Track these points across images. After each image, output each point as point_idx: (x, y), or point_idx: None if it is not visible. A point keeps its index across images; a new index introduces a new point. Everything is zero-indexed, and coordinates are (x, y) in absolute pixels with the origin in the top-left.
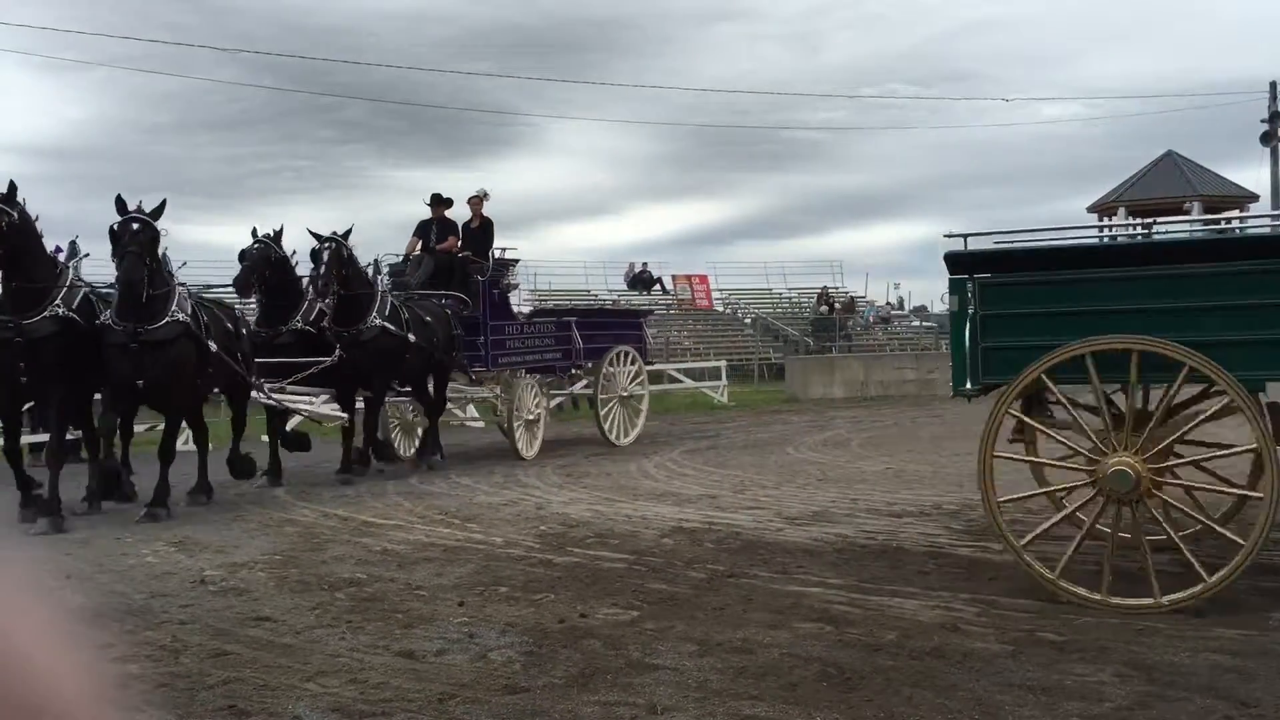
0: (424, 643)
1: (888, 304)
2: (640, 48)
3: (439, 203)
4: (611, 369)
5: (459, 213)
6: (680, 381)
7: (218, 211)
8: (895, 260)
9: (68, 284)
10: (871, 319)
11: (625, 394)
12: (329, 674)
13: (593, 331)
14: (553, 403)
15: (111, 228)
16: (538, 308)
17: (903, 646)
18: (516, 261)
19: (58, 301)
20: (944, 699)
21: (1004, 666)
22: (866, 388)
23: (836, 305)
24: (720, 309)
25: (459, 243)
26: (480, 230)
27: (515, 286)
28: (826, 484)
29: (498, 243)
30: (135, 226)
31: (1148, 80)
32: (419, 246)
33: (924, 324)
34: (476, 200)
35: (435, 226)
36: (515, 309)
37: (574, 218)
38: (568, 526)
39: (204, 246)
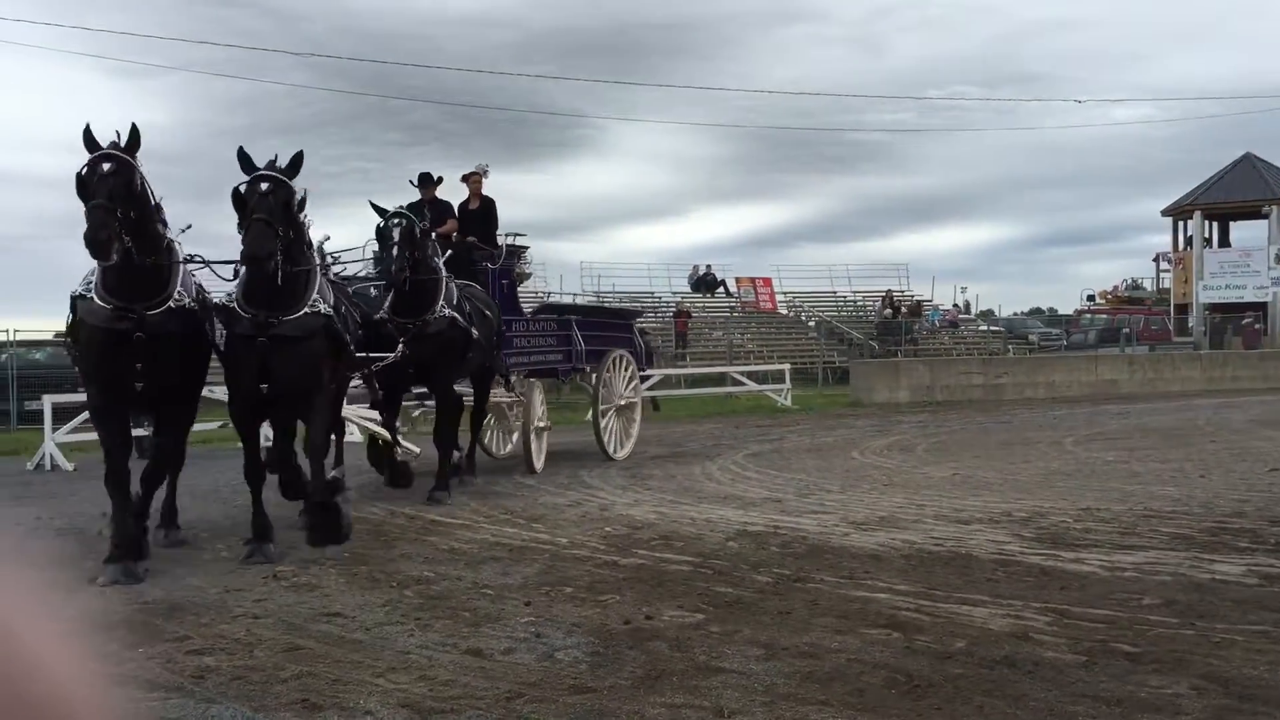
0: (491, 641)
1: (955, 307)
2: (704, 50)
3: (428, 182)
4: (608, 374)
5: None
6: (743, 384)
7: None
8: (962, 264)
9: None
10: (937, 322)
11: (622, 402)
12: (399, 670)
13: (593, 332)
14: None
15: (236, 190)
16: (541, 304)
17: (972, 655)
18: (526, 249)
19: (180, 287)
20: (1015, 709)
21: (1076, 677)
22: (932, 392)
23: (902, 308)
24: (784, 311)
25: (457, 225)
26: (481, 212)
27: (529, 276)
28: (892, 489)
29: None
30: (265, 187)
31: (1222, 81)
32: None
33: (991, 328)
34: (476, 178)
35: (427, 209)
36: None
37: (637, 220)
38: (632, 528)
39: None
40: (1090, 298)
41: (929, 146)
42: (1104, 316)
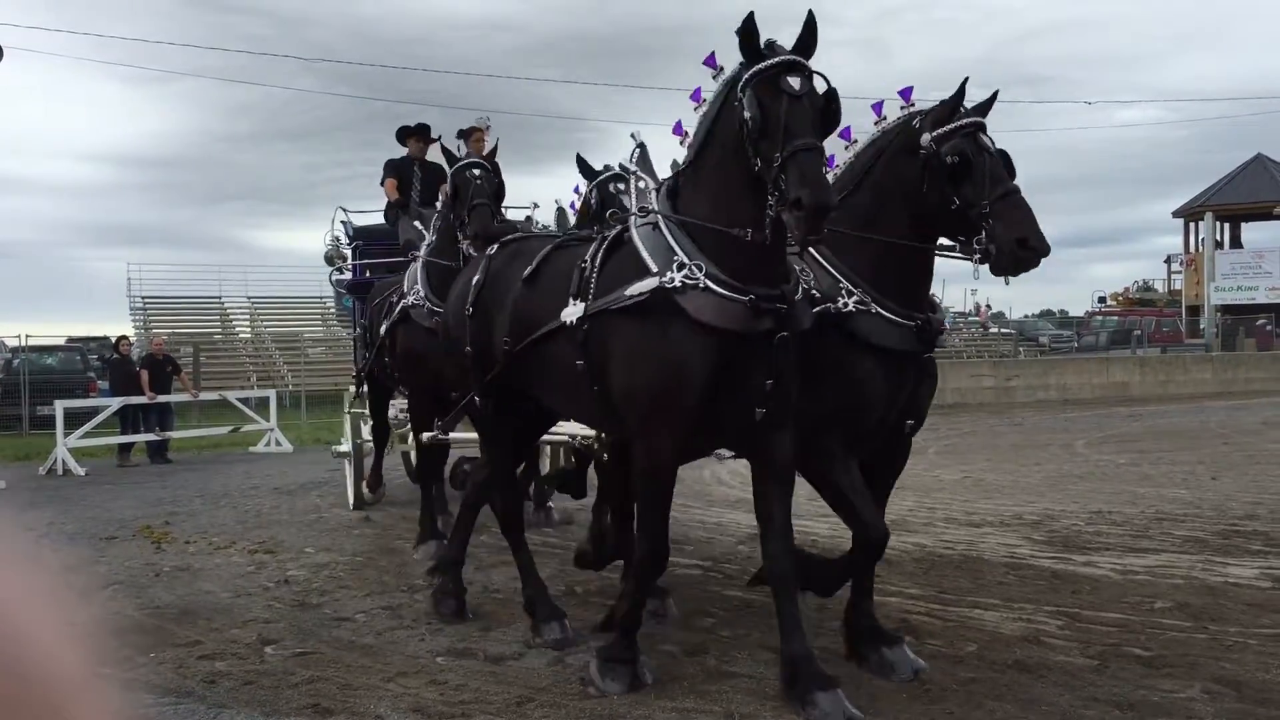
0: (502, 646)
1: (986, 307)
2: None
3: (418, 135)
4: None
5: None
6: None
7: (297, 218)
8: (971, 266)
9: None
10: (947, 325)
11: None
12: (409, 675)
13: None
14: None
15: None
16: None
17: (984, 658)
18: (538, 223)
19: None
20: (1027, 713)
21: (1089, 681)
22: (943, 394)
23: None
24: None
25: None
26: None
27: None
28: (903, 492)
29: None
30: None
31: (1232, 82)
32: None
33: (1002, 331)
34: (478, 135)
35: (417, 169)
36: None
37: None
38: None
39: (284, 252)
40: (1101, 299)
41: None
42: (1115, 318)
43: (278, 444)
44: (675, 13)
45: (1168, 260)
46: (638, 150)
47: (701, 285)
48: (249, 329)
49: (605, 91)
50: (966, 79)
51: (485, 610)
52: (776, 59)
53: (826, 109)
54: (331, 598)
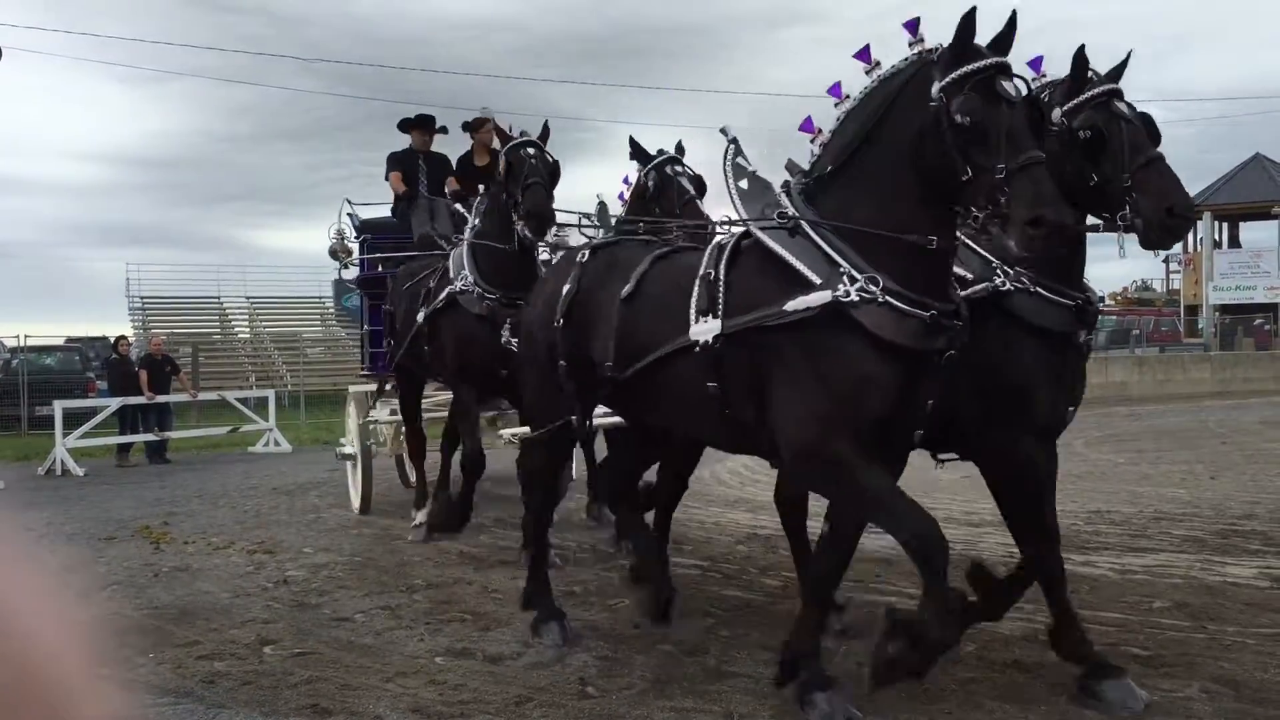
0: (501, 646)
1: None
2: (706, 53)
3: (420, 127)
4: None
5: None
6: None
7: (296, 218)
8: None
9: None
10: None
11: None
12: (408, 675)
13: None
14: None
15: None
16: None
17: (983, 658)
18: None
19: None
20: (1026, 713)
21: None
22: None
23: None
24: None
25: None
26: (492, 168)
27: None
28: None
29: None
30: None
31: (1230, 82)
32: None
33: None
34: (488, 129)
35: (422, 162)
36: None
37: None
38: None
39: (283, 253)
40: (1100, 299)
41: None
42: (1113, 318)
43: (276, 444)
44: (674, 13)
45: (1166, 260)
46: (731, 146)
47: (880, 300)
48: (248, 329)
49: (604, 92)
50: (1083, 46)
51: (483, 610)
52: (990, 60)
53: (1034, 117)
54: (330, 598)
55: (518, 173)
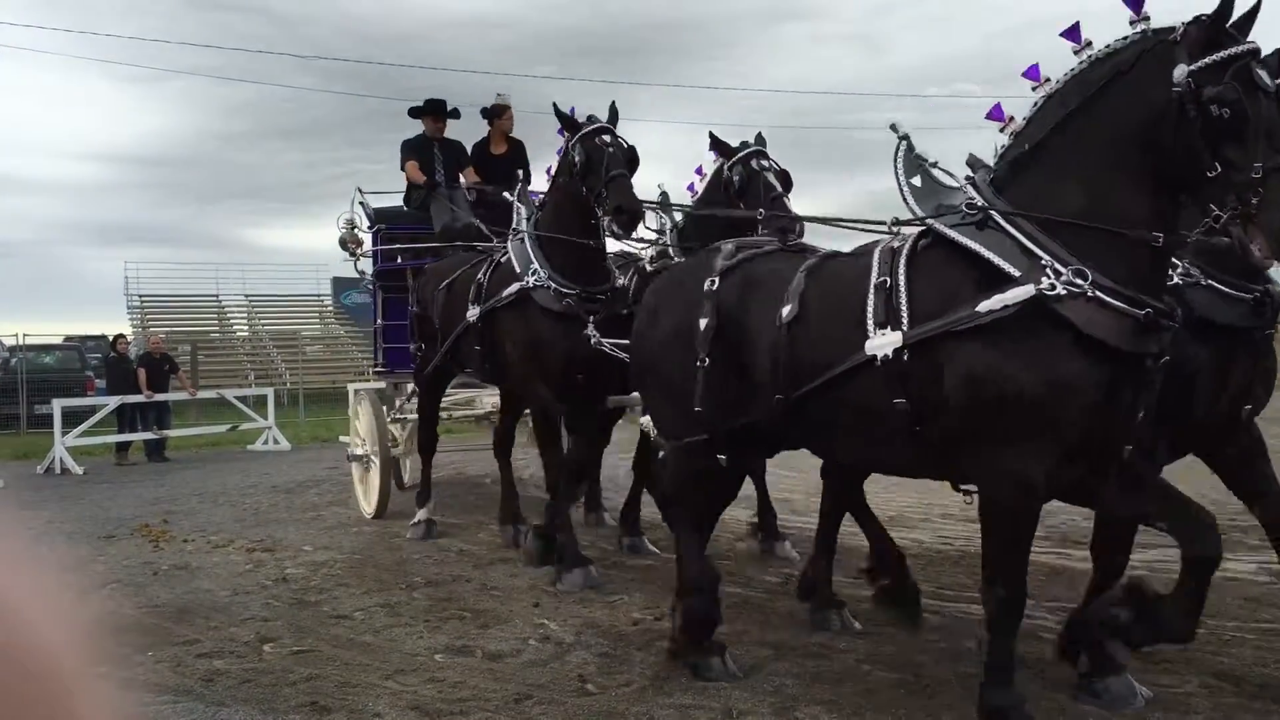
0: (500, 643)
1: None
2: (705, 50)
3: (433, 113)
4: None
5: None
6: None
7: (294, 215)
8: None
9: None
10: None
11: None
12: (408, 672)
13: None
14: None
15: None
16: None
17: (982, 654)
18: None
19: None
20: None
21: None
22: None
23: None
24: None
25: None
26: (510, 158)
27: None
28: (901, 488)
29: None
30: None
31: None
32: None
33: None
34: (507, 115)
35: (438, 149)
36: None
37: None
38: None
39: (282, 251)
40: None
41: (932, 145)
42: None
43: (275, 442)
44: (672, 10)
45: None
46: (903, 143)
47: (1089, 293)
48: (246, 327)
49: (602, 88)
50: None
51: (482, 607)
52: (1250, 45)
53: None
54: (330, 595)
55: (597, 164)
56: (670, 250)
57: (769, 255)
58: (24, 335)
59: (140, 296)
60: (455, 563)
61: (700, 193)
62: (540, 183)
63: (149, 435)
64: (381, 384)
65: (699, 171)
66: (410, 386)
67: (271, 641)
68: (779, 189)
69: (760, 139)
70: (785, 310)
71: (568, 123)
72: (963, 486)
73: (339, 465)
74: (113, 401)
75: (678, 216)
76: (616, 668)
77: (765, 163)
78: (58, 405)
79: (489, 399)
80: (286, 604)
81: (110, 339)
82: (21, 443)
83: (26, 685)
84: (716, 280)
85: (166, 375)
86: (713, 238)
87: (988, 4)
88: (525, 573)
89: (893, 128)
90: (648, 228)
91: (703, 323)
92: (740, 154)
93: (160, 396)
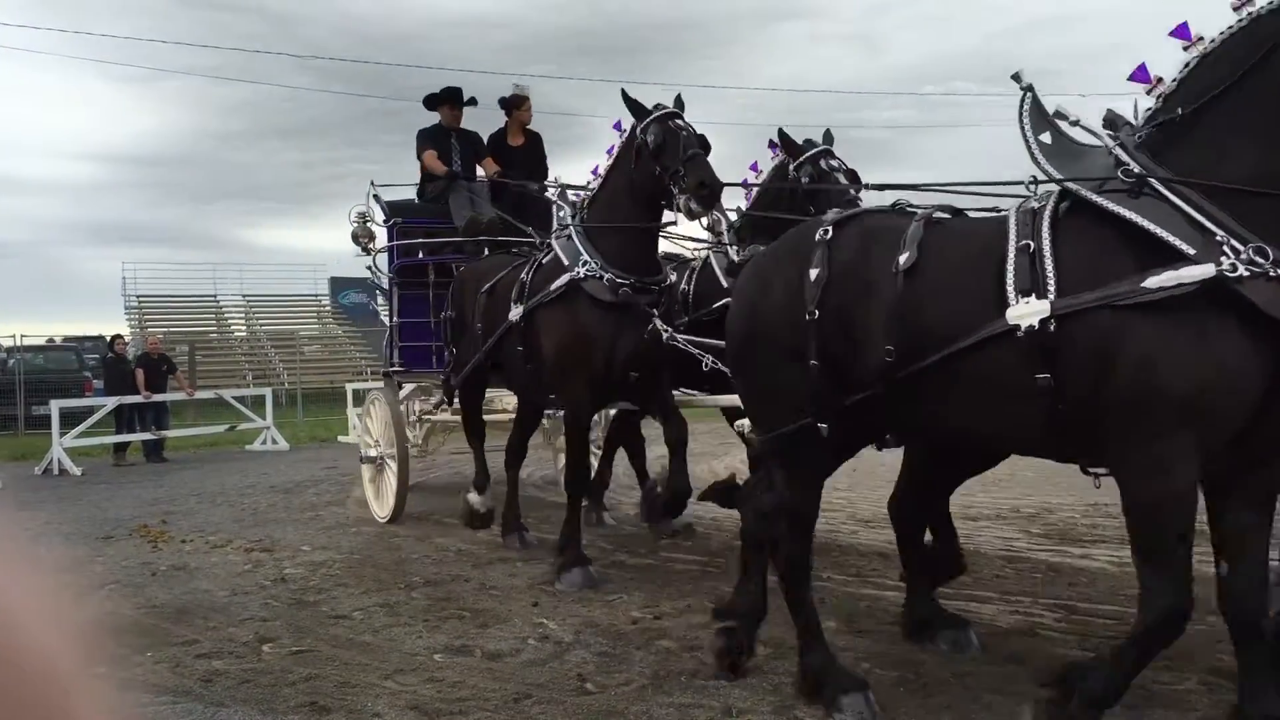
0: (499, 642)
1: None
2: (703, 49)
3: (449, 102)
4: None
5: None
6: None
7: (291, 215)
8: None
9: None
10: None
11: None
12: (407, 672)
13: None
14: None
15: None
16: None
17: (981, 651)
18: None
19: None
20: (1024, 706)
21: None
22: None
23: None
24: None
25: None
26: (528, 150)
27: None
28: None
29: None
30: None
31: None
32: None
33: None
34: (526, 106)
35: (455, 140)
36: None
37: None
38: (639, 527)
39: (279, 251)
40: None
41: (928, 143)
42: None
43: (274, 442)
44: (670, 9)
45: None
46: (1028, 94)
47: (1271, 273)
48: (244, 327)
49: (600, 88)
50: None
51: (481, 606)
52: None
53: None
54: (329, 595)
55: (673, 145)
56: (729, 250)
57: (886, 213)
58: (21, 336)
59: (138, 297)
60: (454, 562)
61: (757, 192)
62: (569, 174)
63: (147, 436)
64: (380, 384)
65: (754, 168)
66: (422, 387)
67: (270, 642)
68: (852, 191)
69: (828, 136)
70: (903, 258)
71: (636, 108)
72: (1091, 469)
73: (337, 465)
74: (111, 402)
75: (732, 216)
76: (616, 667)
77: (834, 162)
78: (55, 406)
79: (508, 400)
80: (285, 604)
81: (108, 339)
82: (19, 443)
83: (24, 687)
84: (830, 231)
85: (164, 376)
86: (772, 238)
87: (985, 3)
88: (524, 572)
89: (1015, 78)
90: (703, 227)
91: (813, 273)
92: (808, 153)
93: (158, 397)
